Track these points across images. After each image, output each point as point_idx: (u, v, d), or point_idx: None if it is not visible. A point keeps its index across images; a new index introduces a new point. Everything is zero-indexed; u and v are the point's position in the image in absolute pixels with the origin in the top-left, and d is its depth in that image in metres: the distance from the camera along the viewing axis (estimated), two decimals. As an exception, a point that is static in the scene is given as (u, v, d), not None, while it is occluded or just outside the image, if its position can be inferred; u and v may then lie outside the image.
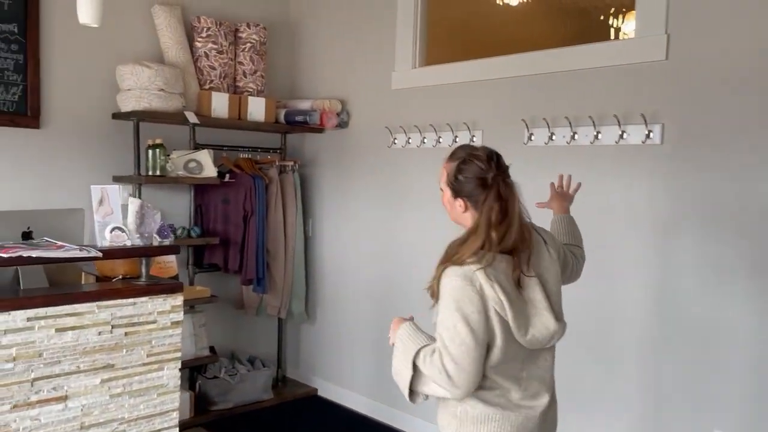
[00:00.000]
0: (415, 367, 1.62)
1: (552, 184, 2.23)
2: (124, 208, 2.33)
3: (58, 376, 2.01)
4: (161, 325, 2.22)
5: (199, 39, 3.73)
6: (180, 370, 3.66)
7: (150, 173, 3.46)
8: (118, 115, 3.50)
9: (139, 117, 3.41)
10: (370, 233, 3.82)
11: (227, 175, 3.78)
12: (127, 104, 3.40)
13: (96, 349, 2.09)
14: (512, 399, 1.65)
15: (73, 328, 2.03)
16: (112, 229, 2.16)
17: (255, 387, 3.89)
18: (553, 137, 2.93)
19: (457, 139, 3.31)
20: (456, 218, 1.75)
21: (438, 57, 3.54)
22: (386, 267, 3.73)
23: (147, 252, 2.18)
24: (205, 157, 3.66)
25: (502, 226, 1.61)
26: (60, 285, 2.24)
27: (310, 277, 4.23)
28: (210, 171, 3.64)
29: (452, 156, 1.74)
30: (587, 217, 2.77)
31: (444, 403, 1.69)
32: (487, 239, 1.60)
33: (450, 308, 1.57)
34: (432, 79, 3.46)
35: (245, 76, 3.90)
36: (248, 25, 3.88)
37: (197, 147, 3.72)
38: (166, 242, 2.25)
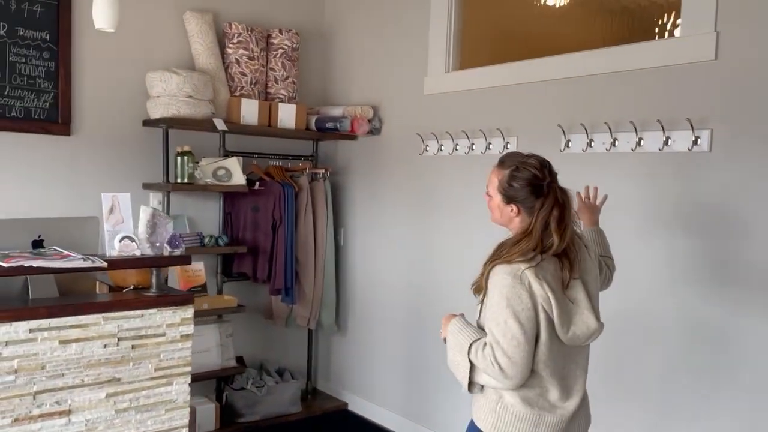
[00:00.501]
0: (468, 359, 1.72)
1: (578, 194, 2.20)
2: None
3: (61, 389, 1.95)
4: (170, 338, 2.14)
5: (231, 45, 3.69)
6: (206, 381, 3.66)
7: (178, 181, 3.43)
8: (148, 122, 3.49)
9: (167, 124, 3.39)
10: (403, 242, 3.69)
11: (257, 183, 3.72)
12: (155, 111, 3.38)
13: (101, 362, 2.02)
14: (550, 399, 1.73)
15: (77, 340, 1.97)
16: (122, 239, 2.09)
17: (283, 399, 3.80)
18: (592, 144, 2.74)
19: (491, 146, 3.15)
20: (503, 222, 1.83)
21: (472, 60, 3.39)
22: (419, 277, 3.59)
23: (156, 262, 2.11)
24: (234, 164, 3.60)
25: (560, 230, 1.69)
26: (72, 294, 2.19)
27: (341, 287, 4.13)
28: (239, 179, 3.58)
29: (503, 163, 1.81)
30: (626, 229, 2.58)
31: (485, 397, 1.77)
32: (540, 243, 1.69)
33: (501, 305, 1.66)
34: (465, 84, 3.31)
35: (277, 83, 3.83)
36: (280, 31, 3.82)
37: (227, 154, 3.68)
38: (177, 252, 2.17)
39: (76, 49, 3.33)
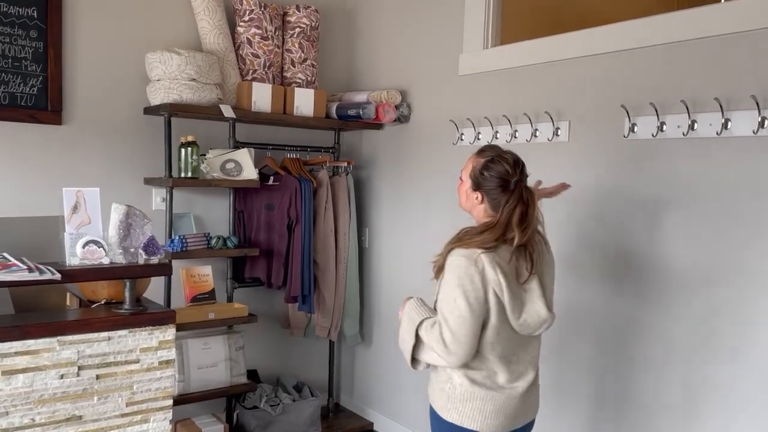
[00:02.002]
0: (417, 336, 1.83)
1: (538, 181, 2.17)
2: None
3: (5, 431, 1.57)
4: (146, 365, 1.75)
5: (242, 23, 3.29)
6: (216, 398, 3.29)
7: (181, 175, 3.05)
8: (149, 110, 3.12)
9: (169, 111, 3.01)
10: (435, 244, 3.22)
11: (271, 178, 3.32)
12: (155, 97, 3.01)
13: (57, 396, 1.63)
14: (497, 381, 1.81)
15: (25, 371, 1.59)
16: (86, 243, 1.70)
17: (300, 419, 3.40)
18: (664, 127, 2.25)
19: (538, 133, 2.69)
20: (467, 207, 1.95)
21: (514, 34, 2.92)
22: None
23: (125, 272, 1.72)
24: (244, 156, 3.21)
25: (521, 227, 1.79)
26: (34, 311, 1.81)
27: (366, 293, 3.70)
28: (250, 173, 3.18)
29: (481, 152, 1.91)
30: (717, 232, 2.10)
31: (435, 377, 1.88)
32: (501, 236, 1.79)
33: (453, 284, 1.76)
34: (506, 61, 2.84)
35: (293, 66, 3.43)
36: (298, 8, 3.41)
37: (237, 146, 3.28)
38: (154, 260, 1.77)
39: (67, 28, 2.97)
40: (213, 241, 3.12)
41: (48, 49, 2.92)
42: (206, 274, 3.23)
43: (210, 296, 3.20)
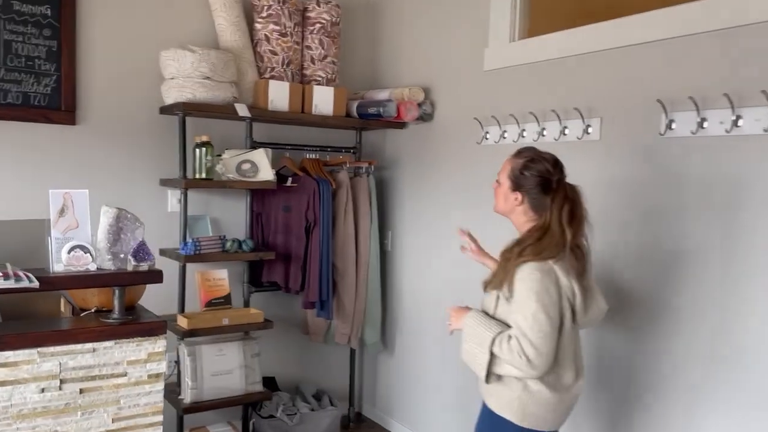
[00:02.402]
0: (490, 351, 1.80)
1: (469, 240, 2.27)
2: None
3: (-18, 447, 1.48)
4: (133, 379, 1.64)
5: (259, 19, 3.19)
6: (229, 407, 3.19)
7: (196, 176, 2.96)
8: (165, 109, 3.04)
9: (183, 110, 2.92)
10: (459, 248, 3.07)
11: (289, 179, 3.21)
12: (169, 95, 2.93)
13: (38, 411, 1.54)
14: (564, 382, 1.83)
15: (2, 384, 1.49)
16: (72, 248, 1.60)
17: (318, 429, 3.28)
18: (705, 123, 2.05)
19: (566, 131, 2.50)
20: (504, 210, 1.94)
21: (544, 25, 2.74)
22: (479, 289, 2.96)
23: (112, 280, 1.61)
24: (261, 157, 3.10)
25: (574, 224, 1.80)
26: (26, 318, 1.72)
27: (388, 299, 3.56)
28: (266, 174, 3.08)
29: (518, 153, 1.91)
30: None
31: (506, 387, 1.84)
32: (562, 237, 1.79)
33: (531, 299, 1.74)
34: (534, 54, 2.67)
35: (313, 63, 3.31)
36: (318, 3, 3.29)
37: (254, 146, 3.18)
38: (144, 267, 1.67)
39: (81, 26, 2.91)
40: (228, 244, 3.02)
41: (62, 47, 2.87)
42: (222, 278, 3.13)
43: (225, 301, 3.11)
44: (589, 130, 2.41)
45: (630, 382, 2.29)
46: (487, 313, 1.90)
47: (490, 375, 1.83)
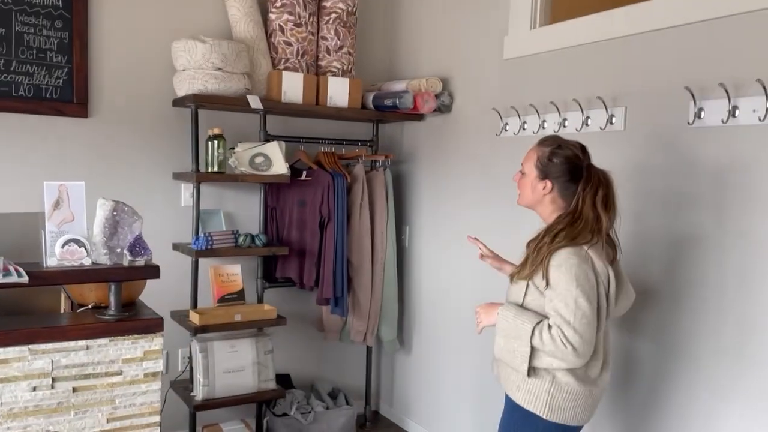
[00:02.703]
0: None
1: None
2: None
3: (-28, 447, 1.44)
4: (129, 377, 1.58)
5: (274, 9, 3.12)
6: (242, 404, 3.14)
7: (209, 170, 2.91)
8: (177, 102, 2.99)
9: (196, 102, 2.87)
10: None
11: (304, 173, 3.14)
12: (181, 87, 2.88)
13: (29, 410, 1.49)
14: (593, 374, 1.77)
15: (-7, 381, 1.44)
16: (66, 242, 1.55)
17: (333, 428, 3.21)
18: (737, 112, 1.91)
19: (589, 121, 2.38)
20: (532, 200, 1.86)
21: (566, 10, 2.62)
22: (499, 284, 2.86)
23: (106, 275, 1.55)
24: (274, 150, 3.04)
25: (607, 210, 1.75)
26: (26, 314, 1.68)
27: (405, 296, 3.47)
28: (279, 167, 3.01)
29: (544, 142, 1.85)
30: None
31: (533, 381, 1.76)
32: (597, 223, 1.73)
33: (570, 285, 1.68)
34: (556, 41, 2.55)
35: (329, 54, 3.23)
36: (333, -8, 3.21)
37: (268, 138, 3.12)
38: (140, 261, 1.60)
39: (93, 17, 2.88)
40: (240, 239, 2.97)
41: (73, 39, 2.84)
42: (235, 273, 3.08)
43: (239, 296, 3.05)
44: (613, 119, 2.29)
45: (651, 379, 2.17)
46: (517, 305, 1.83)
47: (530, 369, 1.75)
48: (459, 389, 3.11)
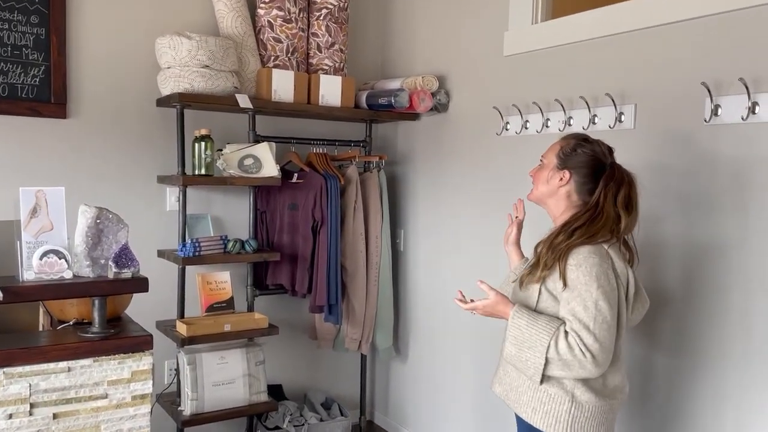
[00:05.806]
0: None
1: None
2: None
3: (-60, 483, 1.29)
4: (115, 401, 1.44)
5: (262, 5, 2.99)
6: (233, 419, 3.00)
7: (195, 172, 2.77)
8: (162, 101, 2.85)
9: (181, 102, 2.72)
10: (477, 247, 2.86)
11: (295, 175, 3.01)
12: (165, 86, 2.73)
13: (4, 440, 1.34)
14: (611, 386, 1.66)
15: (-37, 410, 1.30)
16: (44, 254, 1.41)
17: (327, 441, 3.08)
18: (757, 108, 1.82)
19: (596, 119, 2.28)
20: (544, 193, 1.77)
21: (568, 5, 2.52)
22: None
23: (88, 290, 1.41)
24: (264, 152, 2.90)
25: (629, 211, 1.65)
26: (2, 332, 1.54)
27: (401, 302, 3.35)
28: (270, 169, 2.88)
29: (571, 135, 1.78)
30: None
31: (552, 401, 1.63)
32: (616, 224, 1.64)
33: (591, 285, 1.56)
34: (559, 36, 2.45)
35: (320, 51, 3.10)
36: (325, -13, 3.09)
37: (258, 139, 2.99)
38: (126, 273, 1.47)
39: (71, 13, 2.72)
40: (230, 245, 2.83)
41: (50, 35, 2.68)
42: (224, 281, 2.94)
43: (228, 305, 2.92)
44: (623, 117, 2.19)
45: (668, 391, 2.07)
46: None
47: (543, 378, 1.63)
48: (456, 398, 3.00)
